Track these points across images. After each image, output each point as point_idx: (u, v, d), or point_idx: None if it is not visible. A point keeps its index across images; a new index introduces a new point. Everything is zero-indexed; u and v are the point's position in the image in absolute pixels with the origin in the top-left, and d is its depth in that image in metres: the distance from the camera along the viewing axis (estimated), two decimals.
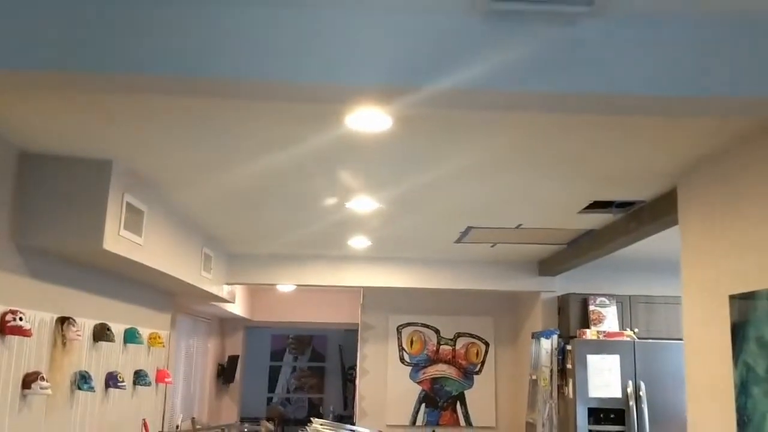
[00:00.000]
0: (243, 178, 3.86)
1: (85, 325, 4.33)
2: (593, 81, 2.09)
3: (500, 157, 3.39)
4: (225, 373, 9.34)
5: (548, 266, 6.40)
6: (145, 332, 5.40)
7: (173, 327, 6.64)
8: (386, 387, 7.88)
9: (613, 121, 2.85)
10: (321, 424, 5.98)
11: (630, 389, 5.70)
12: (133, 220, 3.87)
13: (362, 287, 7.25)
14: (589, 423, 5.67)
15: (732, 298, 2.95)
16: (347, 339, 12.37)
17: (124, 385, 4.74)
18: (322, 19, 2.06)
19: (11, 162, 3.39)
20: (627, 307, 6.31)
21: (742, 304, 2.87)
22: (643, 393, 5.68)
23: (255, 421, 6.37)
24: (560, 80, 2.09)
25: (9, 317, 3.30)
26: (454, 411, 7.88)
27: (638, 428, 5.61)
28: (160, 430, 6.02)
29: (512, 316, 8.06)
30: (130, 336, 5.00)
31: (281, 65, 2.04)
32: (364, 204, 4.40)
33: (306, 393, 12.62)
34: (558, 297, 6.71)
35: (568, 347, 5.99)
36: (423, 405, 7.87)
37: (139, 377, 5.21)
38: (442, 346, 8.00)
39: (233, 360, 9.47)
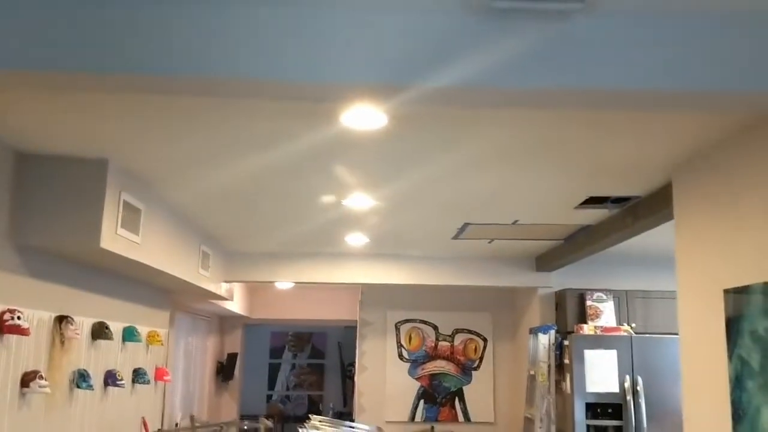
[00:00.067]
0: (240, 175, 3.87)
1: (84, 324, 4.35)
2: (587, 77, 2.10)
3: (496, 154, 3.40)
4: (224, 370, 9.36)
5: (545, 262, 6.41)
6: (143, 330, 5.42)
7: (172, 325, 6.65)
8: (385, 383, 7.90)
9: (608, 116, 2.86)
10: (320, 421, 6.00)
11: (627, 384, 5.73)
12: (131, 218, 3.88)
13: (360, 284, 7.26)
14: (586, 418, 5.69)
15: (726, 292, 2.96)
16: (346, 336, 12.39)
17: (123, 384, 4.75)
18: (316, 17, 2.07)
19: (8, 162, 3.40)
20: (624, 302, 6.33)
21: (737, 299, 2.88)
22: (640, 387, 5.70)
23: (254, 418, 6.39)
24: (554, 76, 2.10)
25: (7, 316, 3.31)
26: (453, 407, 7.91)
27: (636, 422, 5.64)
28: (160, 428, 6.04)
29: (510, 311, 8.08)
30: (129, 334, 5.01)
31: (275, 63, 2.05)
32: (361, 201, 4.41)
33: (305, 390, 12.65)
34: (555, 292, 6.73)
35: (566, 342, 6.01)
36: (421, 401, 7.89)
37: (138, 375, 5.22)
38: (440, 342, 8.02)
39: (232, 358, 9.49)
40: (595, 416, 5.71)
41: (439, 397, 7.92)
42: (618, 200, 4.30)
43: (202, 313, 8.32)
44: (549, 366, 6.17)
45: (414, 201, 4.44)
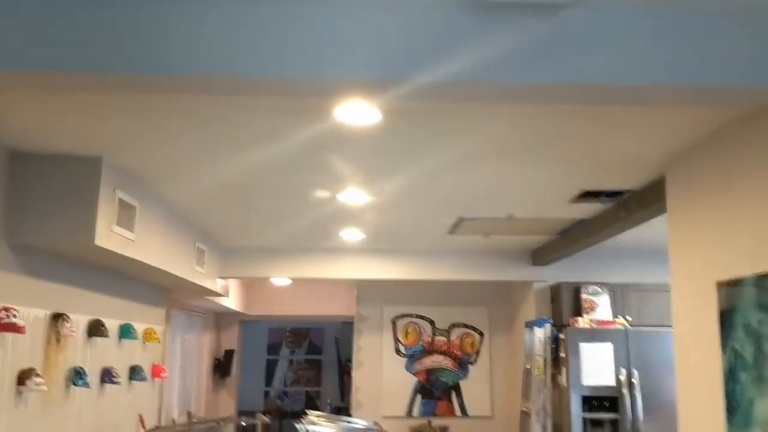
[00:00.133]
0: (235, 171, 3.87)
1: (80, 322, 4.35)
2: (580, 71, 2.11)
3: (490, 148, 3.40)
4: (221, 367, 9.37)
5: (541, 256, 6.43)
6: (139, 328, 5.42)
7: (168, 322, 6.65)
8: (382, 378, 7.92)
9: (601, 110, 2.87)
10: (317, 417, 6.01)
11: (623, 377, 5.75)
12: (125, 215, 3.88)
13: (357, 279, 7.27)
14: (582, 411, 5.71)
15: (720, 285, 2.98)
16: (344, 331, 12.39)
17: (120, 381, 4.76)
18: (307, 14, 2.07)
19: (2, 161, 3.40)
20: (619, 295, 6.35)
21: (730, 291, 2.90)
22: (636, 380, 5.73)
23: (252, 414, 6.40)
24: (547, 71, 2.10)
25: (2, 314, 3.31)
26: (450, 401, 7.93)
27: (632, 415, 5.66)
28: (157, 424, 6.04)
29: (506, 305, 8.10)
30: (125, 331, 5.01)
31: (270, 61, 2.05)
32: (355, 197, 4.42)
33: (303, 386, 12.66)
34: (551, 286, 6.75)
35: (561, 336, 6.03)
36: (419, 396, 7.91)
37: (135, 373, 5.23)
38: (437, 337, 8.04)
39: (229, 354, 9.49)
40: (591, 409, 5.73)
41: (436, 391, 7.94)
42: (612, 194, 4.31)
43: (198, 310, 8.32)
44: (545, 359, 6.19)
45: (409, 196, 4.44)
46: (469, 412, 7.90)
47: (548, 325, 6.26)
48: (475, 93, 2.20)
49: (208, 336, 9.06)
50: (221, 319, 9.69)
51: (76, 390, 4.30)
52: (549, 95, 2.21)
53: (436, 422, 7.78)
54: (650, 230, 5.14)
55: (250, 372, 12.31)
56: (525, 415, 6.65)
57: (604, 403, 5.73)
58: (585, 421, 5.71)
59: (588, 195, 4.34)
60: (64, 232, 3.51)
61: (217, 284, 6.50)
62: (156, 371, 5.73)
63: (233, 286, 8.09)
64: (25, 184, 3.50)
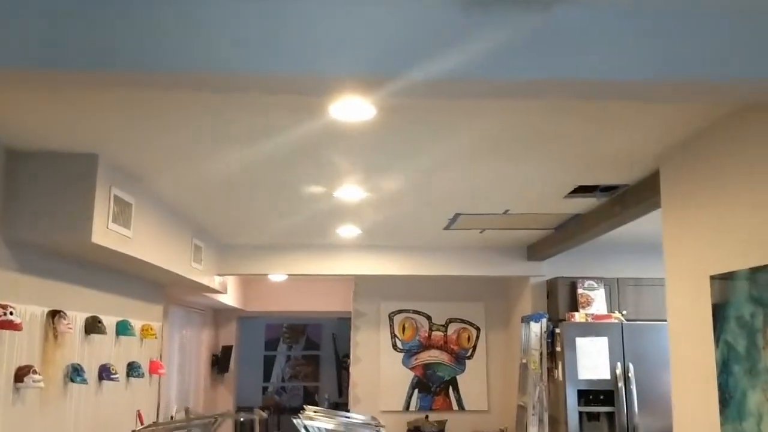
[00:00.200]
0: (231, 168, 3.87)
1: (77, 318, 4.36)
2: (574, 67, 2.11)
3: (485, 144, 3.42)
4: (219, 363, 9.38)
5: (537, 251, 6.45)
6: (137, 324, 5.43)
7: (166, 318, 6.66)
8: (379, 373, 7.94)
9: (596, 105, 2.88)
10: (315, 412, 6.03)
11: (619, 371, 5.78)
12: (122, 213, 3.89)
13: (354, 275, 7.29)
14: (578, 404, 5.74)
15: (713, 278, 3.00)
16: (341, 327, 12.41)
17: (117, 377, 4.77)
18: (301, 11, 2.07)
19: None
20: (615, 290, 6.37)
21: (723, 285, 2.92)
22: (631, 374, 5.76)
23: (250, 410, 6.42)
24: (542, 67, 2.11)
25: None
26: (447, 396, 7.96)
27: (627, 409, 5.69)
28: (155, 420, 6.06)
29: (502, 300, 8.12)
30: (122, 328, 5.03)
31: (263, 57, 2.05)
32: (351, 193, 4.43)
33: (301, 381, 12.69)
34: (547, 281, 6.77)
35: (557, 330, 6.05)
36: (416, 390, 7.94)
37: (133, 369, 5.24)
38: (433, 332, 8.06)
39: (227, 350, 9.51)
40: (587, 403, 5.76)
41: (433, 386, 7.97)
42: (606, 189, 4.33)
43: (196, 306, 8.34)
44: (541, 354, 6.22)
45: (405, 192, 4.45)
46: (466, 406, 7.93)
47: (544, 320, 6.28)
48: (469, 89, 2.20)
49: (206, 332, 9.08)
50: (219, 315, 9.70)
51: (74, 387, 4.32)
52: (543, 91, 2.22)
53: (434, 417, 7.81)
54: (645, 225, 5.16)
55: (248, 368, 12.34)
56: (521, 409, 6.69)
57: (600, 396, 5.76)
58: (581, 414, 5.75)
59: (583, 190, 4.35)
60: (60, 229, 3.52)
61: (214, 281, 6.52)
62: (154, 368, 5.75)
63: (231, 282, 8.11)
64: (22, 181, 3.50)
